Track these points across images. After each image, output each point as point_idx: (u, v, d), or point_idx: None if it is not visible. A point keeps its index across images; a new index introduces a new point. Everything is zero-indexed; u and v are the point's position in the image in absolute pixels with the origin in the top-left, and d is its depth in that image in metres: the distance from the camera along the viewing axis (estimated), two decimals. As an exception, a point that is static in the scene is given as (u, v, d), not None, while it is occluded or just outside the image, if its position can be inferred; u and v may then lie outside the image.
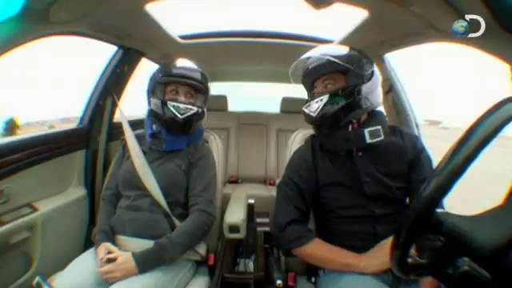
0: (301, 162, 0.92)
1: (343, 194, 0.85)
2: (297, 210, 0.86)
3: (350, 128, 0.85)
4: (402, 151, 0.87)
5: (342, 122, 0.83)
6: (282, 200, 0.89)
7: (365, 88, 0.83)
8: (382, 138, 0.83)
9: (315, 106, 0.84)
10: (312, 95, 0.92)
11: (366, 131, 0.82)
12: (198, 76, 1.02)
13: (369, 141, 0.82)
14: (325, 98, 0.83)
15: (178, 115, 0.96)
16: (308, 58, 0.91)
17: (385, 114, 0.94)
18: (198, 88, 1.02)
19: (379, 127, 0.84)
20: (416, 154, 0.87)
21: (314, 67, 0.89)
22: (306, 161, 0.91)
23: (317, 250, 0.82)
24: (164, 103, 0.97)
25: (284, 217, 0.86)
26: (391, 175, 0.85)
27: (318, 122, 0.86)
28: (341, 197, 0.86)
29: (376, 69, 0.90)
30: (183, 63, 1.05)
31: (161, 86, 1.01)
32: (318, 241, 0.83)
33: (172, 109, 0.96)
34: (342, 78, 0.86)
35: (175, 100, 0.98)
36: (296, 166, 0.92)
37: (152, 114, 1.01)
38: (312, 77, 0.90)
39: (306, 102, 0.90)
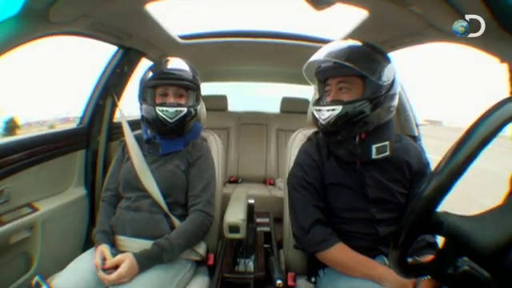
0: (309, 160, 0.89)
1: (345, 196, 0.84)
2: (317, 209, 0.84)
3: (358, 139, 0.81)
4: (404, 163, 0.85)
5: (351, 135, 0.80)
6: (300, 201, 0.87)
7: (382, 101, 0.77)
8: (388, 153, 0.80)
9: (326, 114, 0.79)
10: (323, 93, 0.86)
11: (374, 147, 0.79)
12: (185, 74, 1.00)
13: (374, 157, 0.80)
14: (338, 108, 0.77)
15: (168, 119, 0.95)
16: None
17: None
18: (187, 86, 1.01)
19: (387, 143, 0.80)
20: (421, 166, 0.86)
21: (328, 67, 0.82)
22: (313, 159, 0.89)
23: (341, 255, 0.80)
24: (153, 109, 0.95)
25: (306, 218, 0.84)
26: (393, 181, 0.83)
27: (325, 130, 0.82)
28: (343, 198, 0.85)
29: (396, 76, 0.80)
30: (169, 64, 1.02)
31: (150, 89, 0.99)
32: (341, 245, 0.80)
33: (161, 114, 0.95)
34: (359, 85, 0.79)
35: (164, 104, 0.96)
36: (306, 165, 0.89)
37: (144, 120, 1.01)
38: (325, 75, 0.84)
39: (318, 100, 0.86)
